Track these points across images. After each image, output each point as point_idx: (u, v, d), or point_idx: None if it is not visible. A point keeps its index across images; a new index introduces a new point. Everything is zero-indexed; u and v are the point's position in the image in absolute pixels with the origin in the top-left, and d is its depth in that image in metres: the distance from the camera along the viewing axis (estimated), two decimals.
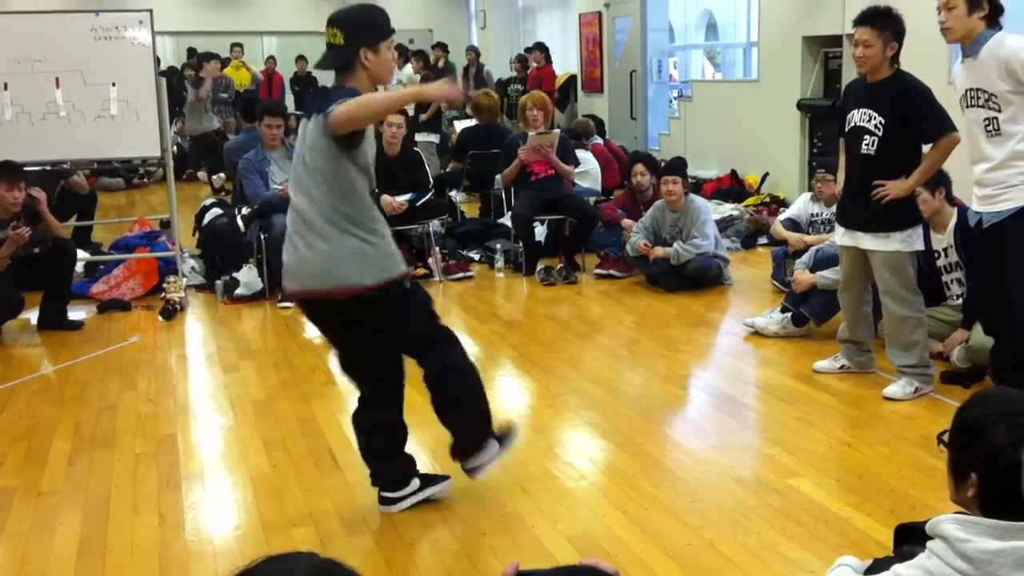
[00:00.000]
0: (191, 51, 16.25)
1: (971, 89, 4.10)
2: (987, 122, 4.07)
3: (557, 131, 7.71)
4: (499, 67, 15.55)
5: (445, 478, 3.67)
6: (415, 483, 3.59)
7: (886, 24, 4.32)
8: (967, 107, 4.15)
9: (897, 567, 1.87)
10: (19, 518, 3.57)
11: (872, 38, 4.31)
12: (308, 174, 3.25)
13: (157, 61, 6.93)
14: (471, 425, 3.54)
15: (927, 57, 6.81)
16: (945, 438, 1.96)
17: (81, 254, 6.87)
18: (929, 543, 1.83)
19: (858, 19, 4.37)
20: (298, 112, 14.67)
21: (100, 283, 6.90)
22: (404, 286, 3.37)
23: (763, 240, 8.06)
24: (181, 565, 3.23)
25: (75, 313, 6.34)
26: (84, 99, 6.76)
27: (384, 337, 3.46)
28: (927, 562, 1.81)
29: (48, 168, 7.53)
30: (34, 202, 6.14)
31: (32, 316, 6.16)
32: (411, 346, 3.50)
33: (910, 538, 2.07)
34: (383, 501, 3.55)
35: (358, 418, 3.62)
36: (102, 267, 7.20)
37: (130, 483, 3.86)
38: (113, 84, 6.79)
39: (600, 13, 13.15)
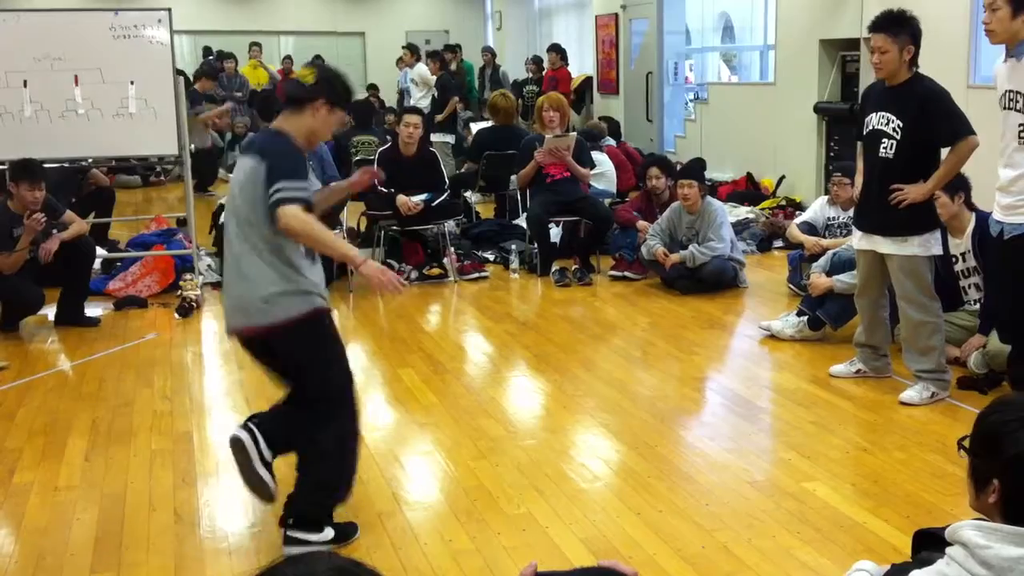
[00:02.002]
0: (207, 50, 16.32)
1: (1010, 91, 4.03)
2: (1021, 128, 4.00)
3: (574, 134, 7.71)
4: (515, 68, 15.56)
5: (354, 531, 3.39)
6: (329, 532, 3.31)
7: (901, 29, 4.28)
8: (1004, 108, 4.08)
9: (915, 573, 1.86)
10: (36, 514, 3.59)
11: (887, 44, 4.28)
12: (236, 214, 3.26)
13: (183, 74, 6.94)
14: (310, 501, 3.31)
15: (947, 59, 6.79)
16: (966, 444, 1.95)
17: (98, 251, 6.91)
18: (949, 549, 1.82)
19: (872, 25, 4.34)
20: None
21: (117, 280, 6.94)
22: (322, 324, 3.27)
23: (779, 243, 8.04)
24: (196, 562, 3.24)
25: (92, 310, 6.37)
26: (102, 97, 6.80)
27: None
28: (946, 568, 1.80)
29: (67, 165, 7.58)
30: (53, 199, 6.17)
31: (50, 312, 6.20)
32: (304, 394, 3.33)
33: (928, 544, 2.06)
34: (288, 541, 3.26)
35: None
36: (119, 264, 7.23)
37: (146, 480, 3.87)
38: (132, 82, 6.83)
39: (617, 15, 13.13)
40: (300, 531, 3.26)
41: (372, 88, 15.94)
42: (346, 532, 3.36)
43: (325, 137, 3.55)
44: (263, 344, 3.30)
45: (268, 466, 3.32)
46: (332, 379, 3.31)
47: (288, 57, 16.56)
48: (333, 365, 3.32)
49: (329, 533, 3.30)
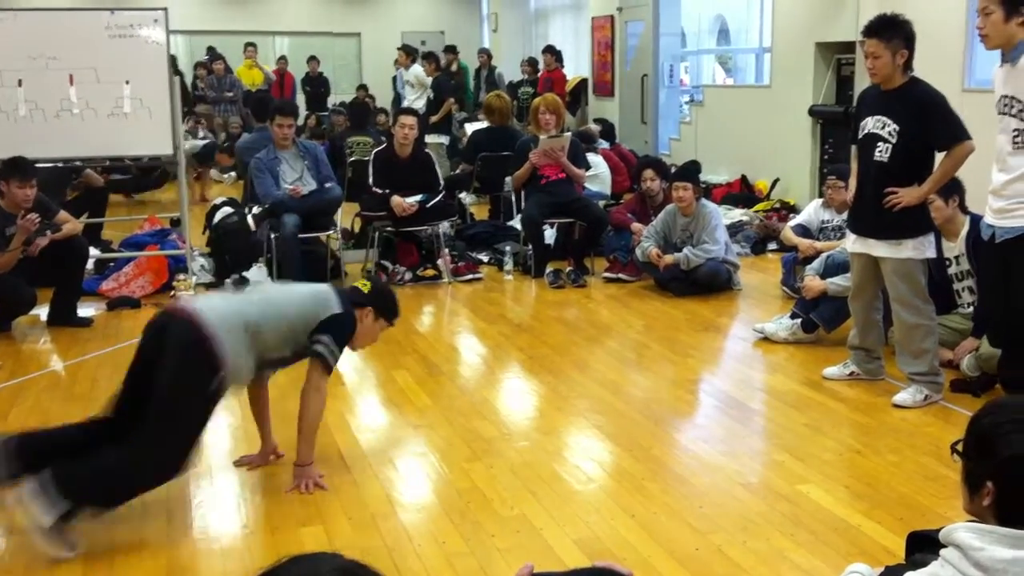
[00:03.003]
0: (211, 50, 16.28)
1: (1006, 96, 4.03)
2: (1016, 133, 3.99)
3: (568, 134, 7.71)
4: (510, 70, 15.57)
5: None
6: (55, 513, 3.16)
7: (893, 33, 4.28)
8: (1000, 113, 4.07)
9: (909, 575, 1.86)
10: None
11: (880, 49, 4.28)
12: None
13: (174, 61, 6.93)
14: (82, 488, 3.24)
15: (942, 63, 6.81)
16: (959, 447, 1.95)
17: (91, 251, 6.89)
18: (943, 551, 1.82)
19: (865, 30, 4.34)
20: (315, 112, 14.82)
21: (110, 281, 6.92)
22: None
23: (773, 246, 8.06)
24: (188, 564, 3.23)
25: (85, 310, 6.35)
26: (97, 96, 6.79)
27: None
28: (940, 570, 1.80)
29: (60, 165, 7.56)
30: (46, 198, 6.15)
31: (42, 313, 6.18)
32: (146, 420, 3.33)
33: (922, 546, 2.06)
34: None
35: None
36: (112, 265, 7.21)
37: None
38: (127, 82, 6.82)
39: (612, 17, 13.15)
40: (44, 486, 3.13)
41: (362, 88, 15.94)
42: (65, 522, 3.19)
43: (367, 343, 3.95)
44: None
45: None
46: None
47: (283, 58, 16.56)
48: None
49: (56, 513, 3.13)
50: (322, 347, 3.61)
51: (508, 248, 7.62)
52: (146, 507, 3.61)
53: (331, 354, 3.62)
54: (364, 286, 3.85)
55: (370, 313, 3.78)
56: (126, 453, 3.31)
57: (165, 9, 6.88)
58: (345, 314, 3.68)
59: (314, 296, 3.73)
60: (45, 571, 3.18)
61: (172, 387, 3.34)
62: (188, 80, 13.96)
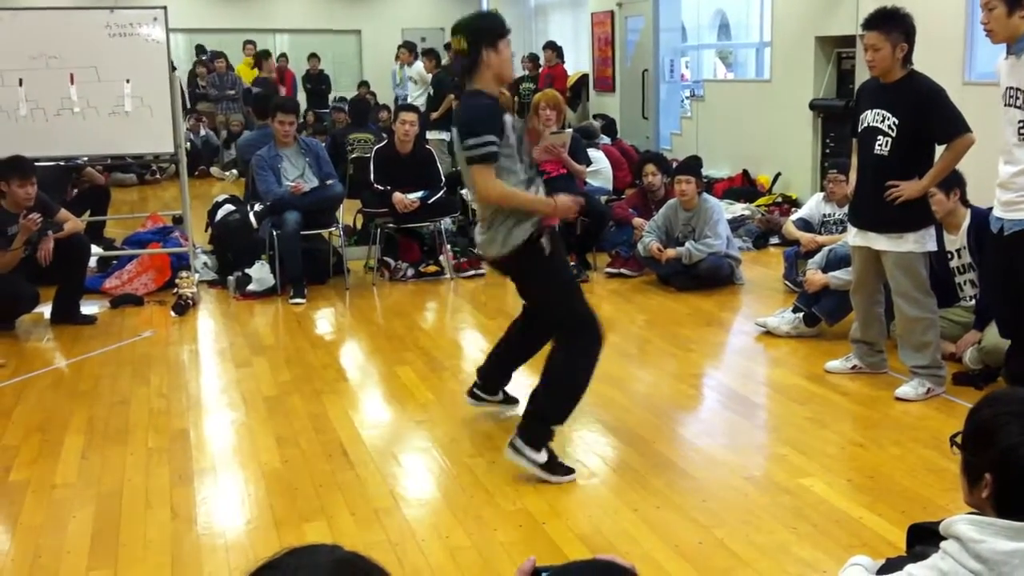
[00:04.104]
0: (199, 48, 16.31)
1: (1011, 88, 4.01)
2: (1021, 124, 3.98)
3: (570, 131, 7.69)
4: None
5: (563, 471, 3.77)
6: (544, 456, 3.74)
7: (893, 26, 4.27)
8: (1005, 105, 4.06)
9: (910, 567, 1.87)
10: (32, 511, 3.59)
11: (880, 41, 4.28)
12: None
13: (172, 66, 6.95)
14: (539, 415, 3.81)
15: (942, 56, 6.80)
16: (958, 440, 1.96)
17: (94, 249, 6.90)
18: (943, 543, 1.83)
19: (865, 23, 4.34)
20: (316, 110, 14.81)
21: (113, 278, 6.93)
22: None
23: (775, 240, 8.05)
24: (193, 559, 3.24)
25: (88, 308, 6.37)
26: (98, 95, 6.79)
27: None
28: (941, 562, 1.81)
29: (61, 164, 7.57)
30: (47, 197, 6.16)
31: (46, 310, 6.20)
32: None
33: (923, 538, 2.07)
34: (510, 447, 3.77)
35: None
36: (115, 262, 7.23)
37: (143, 477, 3.88)
38: (127, 80, 6.82)
39: (612, 12, 13.13)
40: (522, 443, 3.72)
41: (364, 85, 15.93)
42: (557, 466, 3.73)
43: (511, 73, 3.85)
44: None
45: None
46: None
47: (283, 55, 16.55)
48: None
49: (544, 456, 3.71)
50: (469, 152, 3.62)
51: None
52: (150, 502, 3.63)
53: (478, 147, 3.59)
54: (460, 43, 3.71)
55: (490, 53, 3.67)
56: (558, 360, 3.76)
57: (165, 7, 6.88)
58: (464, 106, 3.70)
59: None
60: (51, 566, 3.20)
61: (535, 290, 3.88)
62: (183, 78, 13.94)
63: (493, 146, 3.59)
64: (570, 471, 3.75)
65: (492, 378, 4.39)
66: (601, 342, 3.79)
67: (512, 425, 3.91)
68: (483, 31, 3.70)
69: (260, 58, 14.68)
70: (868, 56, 4.35)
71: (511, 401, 4.44)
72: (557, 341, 3.84)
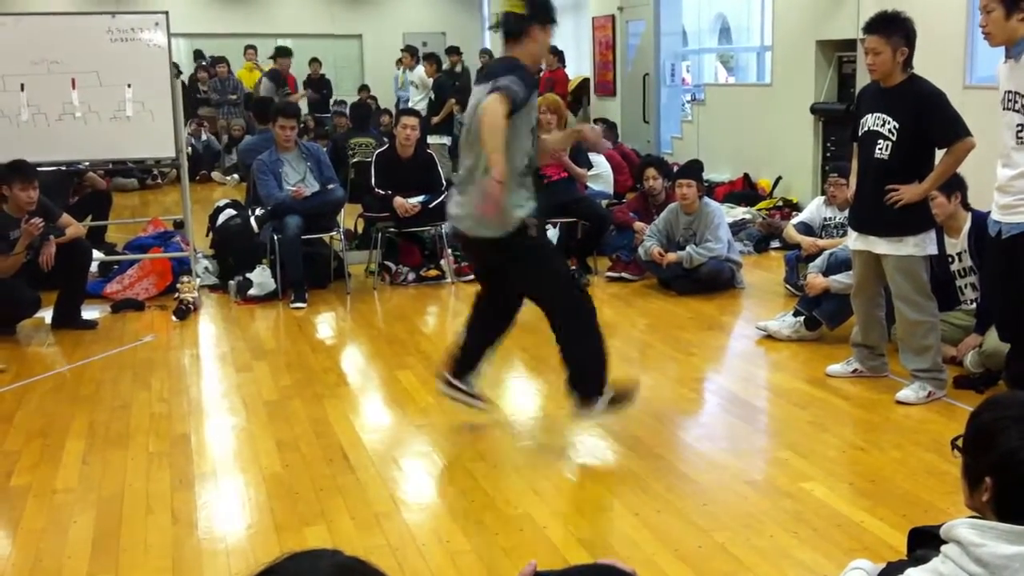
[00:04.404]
0: (198, 53, 16.33)
1: (1010, 91, 4.02)
2: (1019, 128, 3.98)
3: None
4: None
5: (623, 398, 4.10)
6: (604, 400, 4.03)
7: (893, 30, 4.28)
8: (1004, 109, 4.06)
9: (911, 571, 1.87)
10: (33, 516, 3.59)
11: (880, 45, 4.28)
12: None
13: (177, 69, 6.97)
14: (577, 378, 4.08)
15: (942, 60, 6.81)
16: (959, 443, 1.95)
17: (95, 254, 6.91)
18: (943, 547, 1.83)
19: (866, 27, 4.35)
20: (317, 114, 14.83)
21: (114, 283, 6.94)
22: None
23: (776, 244, 8.05)
24: (194, 564, 3.24)
25: (89, 313, 6.37)
26: (100, 100, 6.81)
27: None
28: (941, 566, 1.81)
29: (63, 168, 7.58)
30: (49, 202, 6.17)
31: (47, 315, 6.20)
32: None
33: (923, 542, 2.07)
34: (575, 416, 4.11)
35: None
36: (116, 267, 7.23)
37: (143, 482, 3.88)
38: (129, 85, 6.84)
39: (613, 17, 13.15)
40: (582, 408, 4.01)
41: (364, 89, 15.95)
42: (621, 399, 4.02)
43: (542, 60, 4.06)
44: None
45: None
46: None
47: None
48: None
49: (603, 404, 3.98)
50: (495, 84, 3.65)
51: None
52: (151, 507, 3.63)
53: (507, 86, 3.61)
54: (517, 6, 3.81)
55: (539, 31, 3.84)
56: (571, 350, 3.99)
57: (166, 12, 6.89)
58: (502, 65, 3.75)
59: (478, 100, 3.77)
60: (52, 571, 3.20)
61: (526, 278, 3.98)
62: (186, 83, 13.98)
63: (520, 98, 3.65)
64: (629, 390, 4.08)
65: (460, 362, 4.34)
66: (595, 312, 4.01)
67: (515, 430, 3.90)
68: (543, 7, 3.83)
69: (279, 55, 14.64)
70: (868, 60, 4.36)
71: (483, 399, 4.37)
72: (557, 329, 3.97)
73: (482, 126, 3.63)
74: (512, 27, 3.76)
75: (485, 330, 4.30)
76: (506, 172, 3.62)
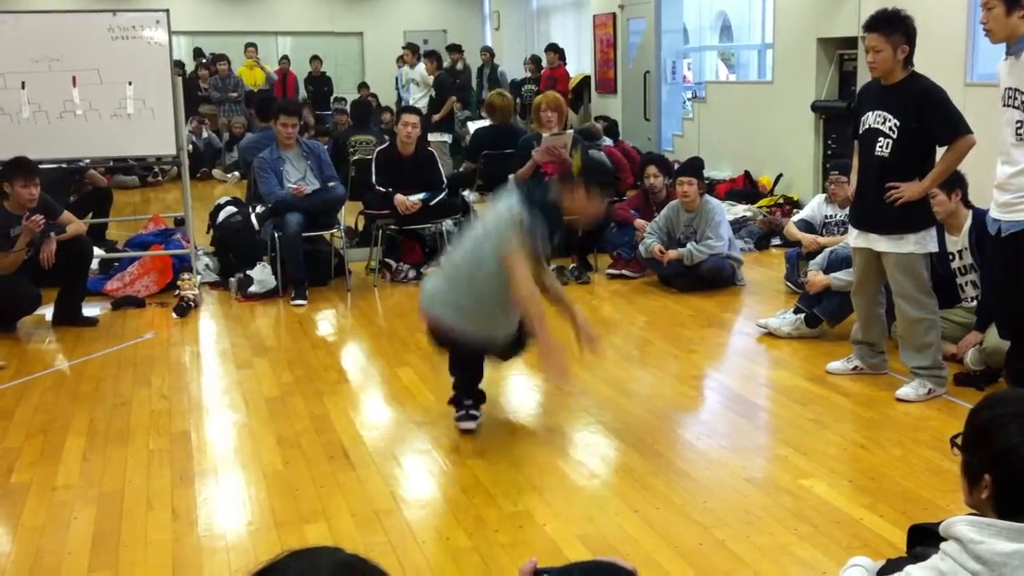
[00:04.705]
0: (198, 51, 16.33)
1: (1010, 88, 4.01)
2: (1019, 124, 3.97)
3: (570, 132, 7.70)
4: (513, 68, 15.57)
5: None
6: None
7: (894, 28, 4.27)
8: (1004, 106, 4.05)
9: (910, 568, 1.87)
10: (34, 512, 3.60)
11: (881, 43, 4.28)
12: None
13: (181, 66, 6.98)
14: None
15: (944, 58, 6.80)
16: (959, 441, 1.95)
17: (96, 251, 6.91)
18: (943, 544, 1.83)
19: (866, 25, 4.35)
20: (318, 112, 14.84)
21: (115, 280, 6.94)
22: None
23: (776, 241, 8.05)
24: (194, 560, 3.24)
25: (90, 310, 6.37)
26: (101, 98, 6.81)
27: None
28: (941, 564, 1.81)
29: (64, 166, 7.58)
30: (50, 199, 6.17)
31: (47, 312, 6.20)
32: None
33: (923, 539, 2.07)
34: None
35: None
36: (117, 264, 7.23)
37: (144, 479, 3.88)
38: (129, 83, 6.85)
39: (614, 14, 13.14)
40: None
41: (363, 86, 15.95)
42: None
43: (584, 213, 4.16)
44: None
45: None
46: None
47: (285, 57, 16.57)
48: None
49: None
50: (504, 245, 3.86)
51: None
52: (151, 503, 3.64)
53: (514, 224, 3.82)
54: (576, 163, 4.02)
55: (580, 189, 4.00)
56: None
57: (167, 10, 6.89)
58: (542, 195, 3.95)
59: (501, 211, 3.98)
60: (53, 567, 3.20)
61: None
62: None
63: (533, 247, 3.91)
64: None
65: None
66: None
67: (516, 427, 3.89)
68: (596, 180, 4.13)
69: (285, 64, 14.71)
70: (869, 58, 4.36)
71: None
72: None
73: (517, 294, 3.83)
74: (568, 177, 4.06)
75: (467, 369, 4.32)
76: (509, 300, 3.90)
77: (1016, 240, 4.07)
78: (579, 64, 14.62)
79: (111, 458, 4.09)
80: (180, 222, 8.30)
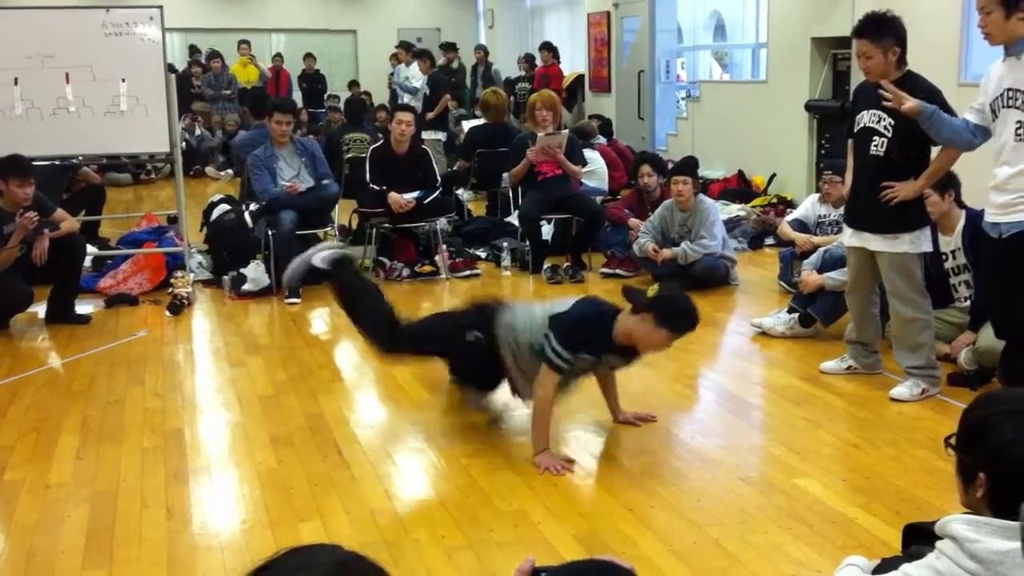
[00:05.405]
0: (192, 48, 16.30)
1: (1010, 89, 3.96)
2: (1019, 125, 3.93)
3: (566, 132, 7.71)
4: (507, 66, 15.56)
5: None
6: None
7: (882, 33, 4.26)
8: (1003, 107, 3.99)
9: (906, 567, 1.87)
10: (27, 511, 3.58)
11: (871, 49, 4.27)
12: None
13: (174, 70, 6.97)
14: None
15: (938, 57, 6.82)
16: (952, 441, 1.96)
17: (89, 249, 6.89)
18: (938, 543, 1.83)
19: (855, 31, 4.34)
20: (312, 109, 14.82)
21: (108, 278, 6.92)
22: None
23: (770, 241, 8.06)
24: (188, 559, 3.24)
25: (83, 307, 6.36)
26: (94, 94, 6.79)
27: None
28: (936, 562, 1.81)
29: (57, 163, 7.55)
30: (43, 196, 6.15)
31: (40, 310, 6.18)
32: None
33: (918, 538, 2.07)
34: None
35: None
36: (110, 262, 7.22)
37: (137, 477, 3.87)
38: (123, 80, 6.82)
39: (608, 13, 13.15)
40: None
41: (355, 84, 15.93)
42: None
43: (642, 345, 3.90)
44: None
45: None
46: None
47: (279, 55, 16.55)
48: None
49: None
50: (548, 355, 3.78)
51: (506, 244, 7.63)
52: (145, 502, 3.63)
53: (553, 353, 3.76)
54: (651, 290, 3.82)
55: (649, 320, 3.74)
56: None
57: (160, 7, 6.87)
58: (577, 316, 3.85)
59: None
60: (46, 566, 3.19)
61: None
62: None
63: (567, 372, 3.87)
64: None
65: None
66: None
67: (511, 426, 3.89)
68: (666, 313, 3.81)
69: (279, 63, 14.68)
70: (861, 64, 4.36)
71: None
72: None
73: (537, 390, 3.86)
74: (637, 302, 3.78)
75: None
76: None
77: (1017, 241, 4.01)
78: (573, 62, 14.63)
79: (104, 456, 4.07)
80: (173, 220, 8.28)
